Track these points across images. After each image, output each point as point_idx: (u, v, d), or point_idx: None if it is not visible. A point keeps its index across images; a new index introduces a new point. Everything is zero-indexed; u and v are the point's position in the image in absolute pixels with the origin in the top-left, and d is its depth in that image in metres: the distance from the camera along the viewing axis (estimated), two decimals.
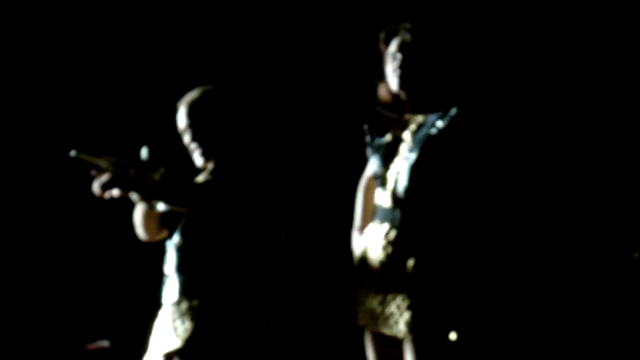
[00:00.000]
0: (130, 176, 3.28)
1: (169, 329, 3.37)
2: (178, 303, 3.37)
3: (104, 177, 3.26)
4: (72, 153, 3.31)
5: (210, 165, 3.47)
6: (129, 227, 3.64)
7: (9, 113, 5.35)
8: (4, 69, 5.33)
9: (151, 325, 3.52)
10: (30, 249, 5.28)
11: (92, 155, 3.33)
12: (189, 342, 3.31)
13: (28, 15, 5.33)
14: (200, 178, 3.46)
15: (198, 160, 3.48)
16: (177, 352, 3.34)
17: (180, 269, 3.40)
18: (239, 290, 3.36)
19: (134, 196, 3.38)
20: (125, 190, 3.28)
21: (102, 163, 3.31)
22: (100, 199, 3.33)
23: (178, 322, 3.35)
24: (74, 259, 5.30)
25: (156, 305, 3.54)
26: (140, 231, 3.54)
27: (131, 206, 3.52)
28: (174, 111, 3.53)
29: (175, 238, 3.42)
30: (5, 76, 5.34)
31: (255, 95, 3.73)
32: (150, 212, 3.48)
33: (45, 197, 5.34)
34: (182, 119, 3.48)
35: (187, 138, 3.48)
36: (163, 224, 3.50)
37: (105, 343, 4.70)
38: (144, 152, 3.40)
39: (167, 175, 3.36)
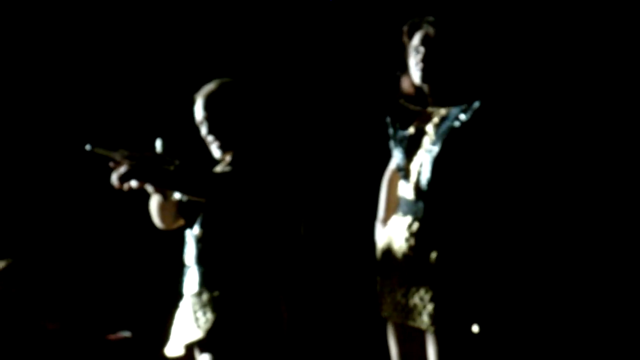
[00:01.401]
0: (147, 167, 3.29)
1: (190, 320, 3.38)
2: (199, 294, 3.39)
3: (122, 169, 3.28)
4: (88, 147, 3.33)
5: (227, 157, 3.48)
6: (148, 218, 3.67)
7: (26, 110, 5.37)
8: (18, 63, 5.35)
9: (172, 316, 3.53)
10: (52, 242, 5.30)
11: (107, 149, 3.34)
12: (211, 333, 3.33)
13: (42, 10, 5.35)
14: (218, 169, 3.48)
15: (215, 152, 3.49)
16: (198, 343, 3.37)
17: (201, 260, 3.42)
18: (259, 281, 3.37)
19: (150, 187, 3.40)
20: (142, 181, 3.30)
21: (117, 156, 3.32)
22: (119, 190, 3.35)
23: (200, 313, 3.36)
24: (95, 251, 5.32)
25: (177, 295, 3.56)
26: (156, 220, 3.56)
27: (148, 197, 3.54)
28: (190, 104, 3.54)
29: (195, 229, 3.44)
30: (18, 70, 5.35)
31: (274, 88, 3.73)
32: (165, 202, 3.50)
33: (66, 191, 5.36)
34: (198, 112, 3.49)
35: (203, 130, 3.49)
36: (180, 213, 3.52)
37: (126, 333, 4.72)
38: (159, 145, 3.41)
39: (183, 167, 3.37)
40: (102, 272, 5.30)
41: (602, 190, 4.81)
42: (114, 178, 3.31)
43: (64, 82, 5.36)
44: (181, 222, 3.53)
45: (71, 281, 5.19)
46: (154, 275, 5.17)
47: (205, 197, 3.36)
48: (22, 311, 4.40)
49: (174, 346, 3.46)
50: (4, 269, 4.42)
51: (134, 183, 3.31)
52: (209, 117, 3.46)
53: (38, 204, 5.36)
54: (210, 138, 3.47)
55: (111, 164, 3.32)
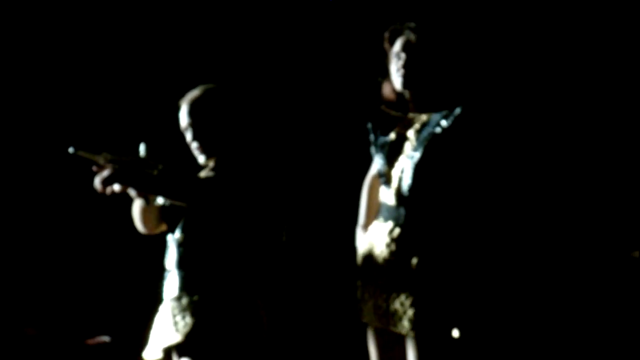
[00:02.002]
0: (130, 171, 3.29)
1: (169, 324, 3.38)
2: (179, 298, 3.39)
3: (105, 173, 3.28)
4: (71, 150, 3.33)
5: (211, 163, 3.49)
6: (129, 222, 3.66)
7: (8, 111, 5.35)
8: (6, 66, 5.33)
9: (151, 321, 3.53)
10: (30, 246, 5.28)
11: (90, 152, 3.34)
12: (189, 337, 3.33)
13: (26, 14, 5.33)
14: (201, 174, 3.48)
15: (200, 158, 3.49)
16: (176, 347, 3.36)
17: (181, 264, 3.41)
18: (239, 286, 3.37)
19: (132, 192, 3.40)
20: (125, 185, 3.30)
21: (101, 160, 3.32)
22: (100, 194, 3.34)
23: (179, 317, 3.36)
24: (73, 255, 5.30)
25: (156, 300, 3.56)
26: (139, 225, 3.56)
27: (131, 201, 3.54)
28: (175, 109, 3.54)
29: (177, 234, 3.44)
30: (4, 75, 5.33)
31: (257, 94, 3.73)
32: (148, 206, 3.50)
33: (45, 194, 5.34)
34: (183, 118, 3.49)
35: (188, 136, 3.49)
36: (162, 217, 3.52)
37: (105, 338, 4.71)
38: (142, 149, 3.41)
39: (166, 172, 3.37)
40: (82, 277, 5.29)
41: (582, 196, 4.83)
42: (97, 181, 3.30)
43: (51, 85, 5.34)
44: (164, 227, 3.52)
45: (50, 286, 5.18)
46: (133, 279, 5.16)
47: (187, 202, 3.36)
48: (1, 317, 4.38)
49: (153, 350, 3.46)
50: None
51: (116, 187, 3.31)
52: (194, 123, 3.46)
53: (17, 208, 5.34)
54: (195, 144, 3.47)
55: (94, 168, 3.32)
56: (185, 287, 3.39)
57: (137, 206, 3.53)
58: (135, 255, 5.09)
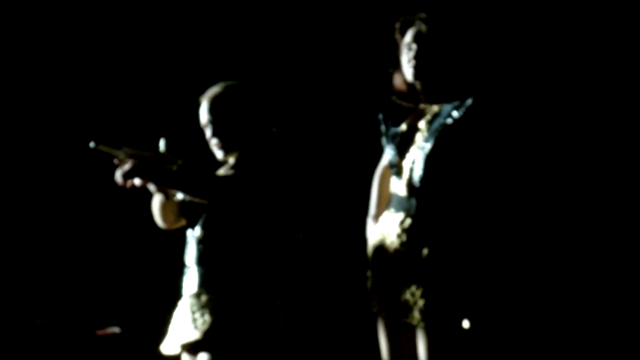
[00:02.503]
0: (150, 166, 3.30)
1: (188, 321, 3.39)
2: (198, 295, 3.40)
3: (126, 166, 3.29)
4: (92, 144, 3.33)
5: (231, 160, 3.50)
6: (143, 217, 3.67)
7: (27, 107, 5.36)
8: (22, 62, 5.34)
9: (165, 314, 3.54)
10: (41, 237, 5.30)
11: (111, 146, 3.35)
12: (207, 335, 3.34)
13: (43, 11, 5.34)
14: (221, 171, 3.49)
15: (219, 155, 3.50)
16: (195, 344, 3.38)
17: (201, 261, 3.42)
18: (257, 284, 3.38)
19: (152, 186, 3.41)
20: (145, 179, 3.31)
21: (121, 154, 3.33)
22: (118, 188, 3.36)
23: (197, 315, 3.37)
24: (85, 247, 5.32)
25: (167, 292, 3.57)
26: (158, 219, 3.57)
27: (148, 195, 3.55)
28: (194, 105, 3.55)
29: (197, 230, 3.45)
30: (22, 69, 5.35)
31: (273, 90, 3.74)
32: (167, 201, 3.51)
33: (58, 186, 5.35)
34: (203, 114, 3.51)
35: (208, 133, 3.50)
36: (182, 213, 3.53)
37: (115, 329, 4.72)
38: (162, 145, 3.42)
39: (185, 167, 3.38)
40: (92, 268, 5.30)
41: (595, 188, 4.82)
42: (118, 175, 3.31)
43: (69, 81, 5.35)
44: (183, 222, 3.54)
45: (60, 277, 5.19)
46: (143, 272, 5.18)
47: (207, 199, 3.36)
48: (11, 307, 4.39)
49: (170, 344, 3.47)
50: None
51: (137, 181, 3.31)
52: (214, 120, 3.47)
53: (28, 200, 5.35)
54: (214, 141, 3.48)
55: (115, 161, 3.33)
56: (205, 284, 3.40)
57: (156, 201, 3.54)
58: (145, 248, 5.10)
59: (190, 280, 3.45)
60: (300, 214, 3.46)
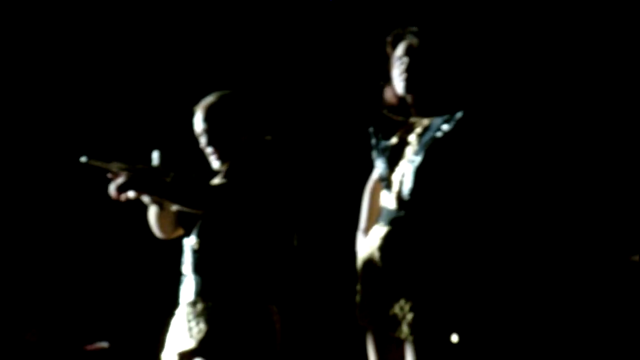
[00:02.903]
0: (144, 179, 3.31)
1: (184, 329, 3.40)
2: (194, 304, 3.41)
3: (120, 180, 3.30)
4: (83, 159, 3.34)
5: (224, 168, 3.50)
6: (135, 229, 3.66)
7: (20, 118, 5.37)
8: (17, 71, 5.35)
9: (151, 326, 3.54)
10: (31, 252, 5.29)
11: (102, 160, 3.35)
12: (203, 344, 3.34)
13: (38, 18, 5.35)
14: (215, 181, 3.50)
15: (214, 163, 3.51)
16: (191, 353, 3.38)
17: (197, 269, 3.43)
18: (253, 291, 3.39)
19: (146, 198, 3.41)
20: (140, 192, 3.32)
21: (113, 167, 3.33)
22: (109, 200, 3.36)
23: (193, 323, 3.38)
24: (73, 261, 5.31)
25: (156, 306, 3.56)
26: (155, 230, 3.57)
27: (142, 207, 3.55)
28: (187, 115, 3.56)
29: (192, 240, 3.46)
30: (18, 78, 5.35)
31: (265, 100, 3.75)
32: (163, 212, 3.51)
33: (48, 199, 5.35)
34: (198, 123, 3.52)
35: (203, 142, 3.52)
36: (178, 222, 3.53)
37: (104, 344, 4.71)
38: (155, 157, 3.42)
39: (178, 179, 3.39)
40: (80, 283, 5.29)
41: (582, 200, 4.83)
42: (112, 188, 3.33)
43: (63, 89, 5.36)
44: (180, 231, 3.55)
45: (50, 292, 5.18)
46: (132, 285, 5.17)
47: (200, 209, 3.38)
48: (2, 322, 4.38)
49: (168, 354, 3.48)
50: None
51: (131, 194, 3.33)
52: (209, 128, 3.49)
53: (21, 212, 5.35)
54: (209, 149, 3.50)
55: (109, 175, 3.33)
56: (201, 292, 3.41)
57: (152, 212, 3.55)
58: (134, 261, 5.09)
59: (187, 288, 3.46)
60: (294, 220, 3.47)
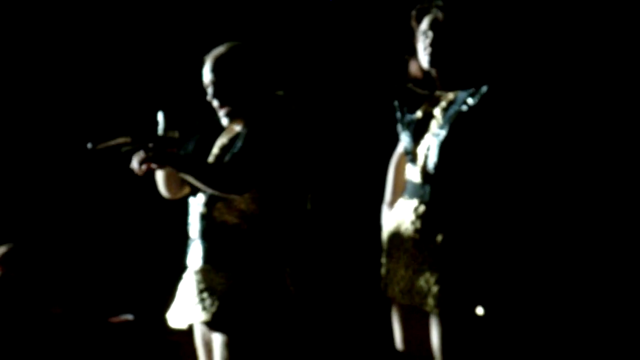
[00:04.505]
0: (166, 151, 3.27)
1: (194, 298, 3.34)
2: (203, 271, 3.35)
3: (141, 153, 3.26)
4: (89, 146, 3.28)
5: (236, 128, 3.42)
6: (151, 203, 3.66)
7: (27, 100, 5.39)
8: (11, 57, 5.36)
9: (171, 295, 3.52)
10: (54, 227, 5.32)
11: (107, 141, 3.31)
12: (218, 316, 3.29)
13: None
14: (224, 139, 3.42)
15: (224, 121, 3.42)
16: (206, 323, 3.34)
17: (205, 235, 3.36)
18: (266, 257, 3.33)
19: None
20: (163, 164, 3.28)
21: (121, 140, 3.29)
22: (127, 178, 3.34)
23: (205, 294, 3.32)
24: (98, 237, 5.34)
25: (180, 270, 3.53)
26: (162, 189, 3.49)
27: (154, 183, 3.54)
28: (196, 69, 3.48)
29: (200, 200, 3.38)
30: (12, 64, 5.37)
31: (281, 57, 3.69)
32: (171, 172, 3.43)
33: (68, 175, 5.37)
34: (207, 74, 3.41)
35: (210, 93, 3.41)
36: (185, 180, 3.44)
37: (129, 317, 4.73)
38: (161, 118, 3.31)
39: (198, 152, 3.35)
40: (104, 257, 5.32)
41: (609, 178, 4.82)
42: (134, 162, 3.28)
43: (60, 74, 5.37)
44: (187, 190, 3.47)
45: (72, 265, 5.21)
46: (157, 253, 5.18)
47: (219, 191, 3.30)
48: (23, 295, 4.41)
49: (178, 319, 3.43)
50: (5, 253, 4.44)
51: (153, 166, 3.28)
52: (216, 80, 3.38)
53: (39, 189, 5.38)
54: (215, 102, 3.40)
55: (125, 149, 3.28)
56: (210, 259, 3.34)
57: (160, 172, 3.47)
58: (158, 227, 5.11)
59: (195, 253, 3.39)
60: (307, 184, 3.41)
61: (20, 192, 5.39)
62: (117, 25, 5.34)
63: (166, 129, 3.30)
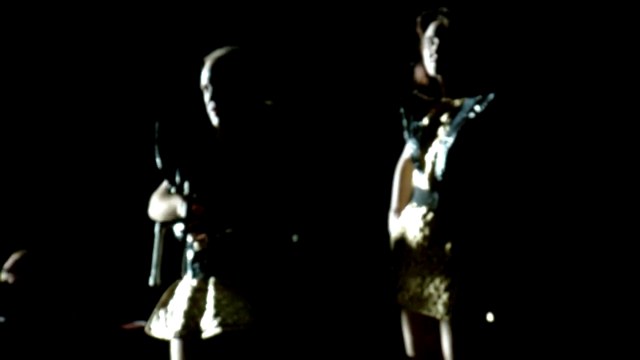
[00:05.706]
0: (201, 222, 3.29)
1: (207, 311, 3.30)
2: (211, 281, 3.32)
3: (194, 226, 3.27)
4: (151, 282, 3.39)
5: (231, 143, 3.38)
6: None
7: (45, 105, 5.40)
8: (11, 52, 5.37)
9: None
10: (66, 233, 5.34)
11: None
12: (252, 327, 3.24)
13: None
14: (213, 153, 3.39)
15: (214, 121, 3.37)
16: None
17: (213, 247, 3.32)
18: (275, 268, 3.28)
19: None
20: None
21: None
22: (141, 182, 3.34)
23: (240, 303, 3.27)
24: (112, 242, 5.35)
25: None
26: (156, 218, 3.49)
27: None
28: (193, 71, 3.47)
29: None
30: (12, 64, 5.38)
31: (281, 65, 3.68)
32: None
33: (83, 182, 5.38)
34: (205, 76, 3.38)
35: (207, 96, 3.37)
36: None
37: (141, 323, 4.75)
38: (157, 128, 3.32)
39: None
40: (115, 264, 5.33)
41: (618, 184, 4.80)
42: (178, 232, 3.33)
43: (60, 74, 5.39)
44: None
45: (86, 271, 5.23)
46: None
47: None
48: (37, 301, 4.43)
49: (173, 330, 3.42)
50: (18, 260, 4.45)
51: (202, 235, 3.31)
52: (214, 82, 3.35)
53: (52, 195, 5.39)
54: (211, 104, 3.36)
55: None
56: (222, 271, 3.31)
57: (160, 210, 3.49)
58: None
59: (200, 265, 3.38)
60: (306, 193, 3.32)
61: (33, 198, 5.40)
62: (117, 25, 5.34)
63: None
